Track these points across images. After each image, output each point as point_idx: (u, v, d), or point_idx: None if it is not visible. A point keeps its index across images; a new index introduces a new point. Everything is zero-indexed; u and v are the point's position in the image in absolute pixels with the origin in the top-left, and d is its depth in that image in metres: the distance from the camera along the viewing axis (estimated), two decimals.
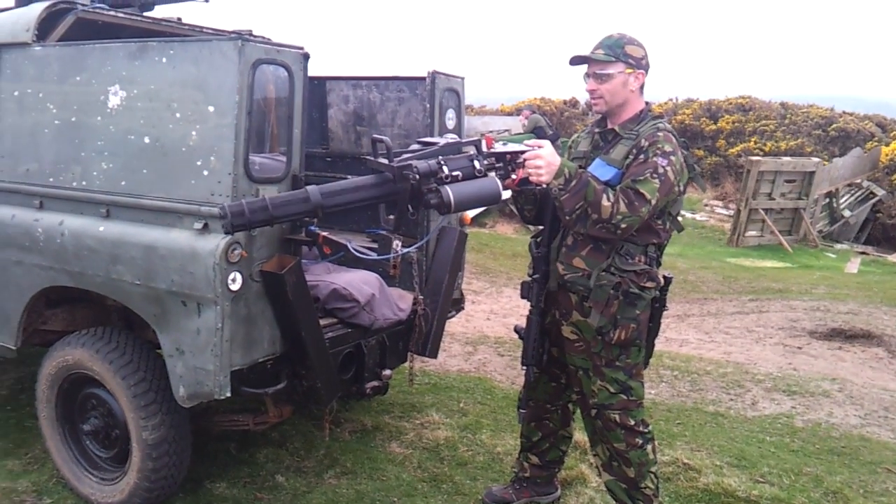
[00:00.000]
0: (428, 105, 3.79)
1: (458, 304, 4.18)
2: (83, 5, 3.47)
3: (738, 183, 14.15)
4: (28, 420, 3.99)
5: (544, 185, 2.69)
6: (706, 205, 15.09)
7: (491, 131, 14.91)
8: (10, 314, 3.38)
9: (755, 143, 17.01)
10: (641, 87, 2.84)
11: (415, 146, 2.66)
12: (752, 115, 18.09)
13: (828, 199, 13.72)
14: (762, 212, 12.24)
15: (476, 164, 2.54)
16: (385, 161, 2.49)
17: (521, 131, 14.01)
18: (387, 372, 3.51)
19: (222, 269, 2.66)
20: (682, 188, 2.81)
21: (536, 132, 13.36)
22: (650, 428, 2.97)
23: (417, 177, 2.43)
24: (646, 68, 2.83)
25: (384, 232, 2.57)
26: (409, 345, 3.65)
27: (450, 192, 2.44)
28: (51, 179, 3.18)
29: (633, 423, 2.90)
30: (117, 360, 3.06)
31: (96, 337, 3.15)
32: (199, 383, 2.79)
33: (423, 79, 3.81)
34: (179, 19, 3.98)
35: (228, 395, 2.77)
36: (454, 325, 6.35)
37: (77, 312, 3.58)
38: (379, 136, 2.55)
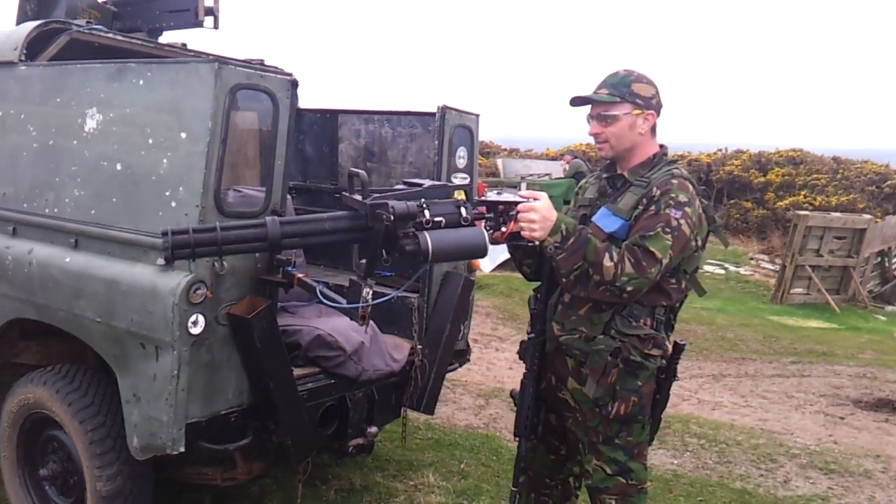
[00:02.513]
0: (437, 142, 3.57)
1: (462, 356, 3.91)
2: (78, 26, 3.34)
3: (785, 237, 13.63)
4: None
5: (537, 242, 2.40)
6: (751, 258, 14.55)
7: (531, 175, 14.76)
8: None
9: (805, 196, 16.47)
10: (653, 129, 2.54)
11: (400, 186, 2.41)
12: (803, 168, 17.59)
13: (879, 258, 13.11)
14: (809, 268, 11.70)
15: (463, 211, 2.26)
16: (359, 198, 2.24)
17: (563, 176, 13.81)
18: (373, 429, 3.24)
19: (182, 310, 2.44)
20: (699, 243, 2.49)
21: (577, 177, 13.13)
22: None
23: (392, 218, 2.16)
24: (657, 108, 2.52)
25: (356, 278, 2.32)
26: (403, 399, 3.39)
27: (428, 238, 2.16)
28: (25, 205, 3.02)
29: None
30: (77, 402, 2.85)
31: (58, 375, 2.95)
32: (153, 434, 2.54)
33: (434, 114, 3.60)
34: (184, 45, 3.84)
35: (182, 449, 2.52)
36: (471, 374, 6.03)
37: (52, 346, 3.39)
38: (355, 170, 2.29)
